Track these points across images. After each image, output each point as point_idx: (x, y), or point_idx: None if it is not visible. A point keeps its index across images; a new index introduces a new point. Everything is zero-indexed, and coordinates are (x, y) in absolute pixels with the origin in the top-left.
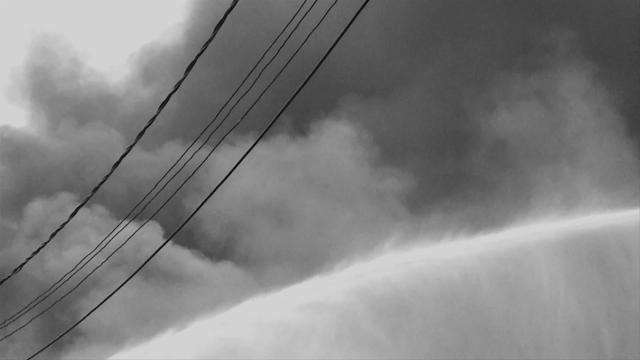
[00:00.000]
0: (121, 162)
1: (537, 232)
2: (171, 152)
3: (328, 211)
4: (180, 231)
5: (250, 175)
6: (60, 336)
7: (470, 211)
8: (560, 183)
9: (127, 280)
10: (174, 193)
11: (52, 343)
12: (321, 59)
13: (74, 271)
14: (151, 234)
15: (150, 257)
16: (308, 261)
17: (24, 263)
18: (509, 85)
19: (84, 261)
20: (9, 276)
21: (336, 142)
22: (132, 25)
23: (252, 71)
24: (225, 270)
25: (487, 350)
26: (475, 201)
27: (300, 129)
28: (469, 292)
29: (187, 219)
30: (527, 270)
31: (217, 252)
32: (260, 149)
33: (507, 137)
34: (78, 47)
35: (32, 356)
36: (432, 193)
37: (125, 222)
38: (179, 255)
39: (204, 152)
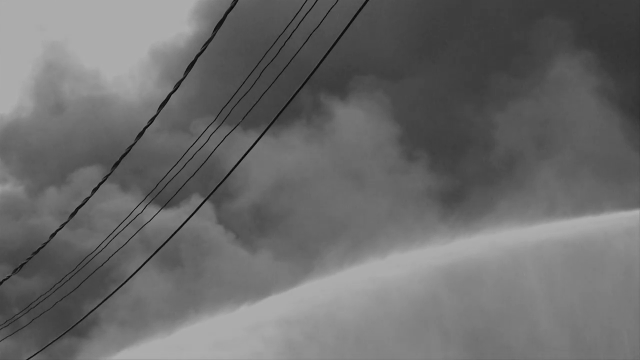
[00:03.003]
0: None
1: (540, 233)
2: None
3: (345, 198)
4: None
5: (283, 162)
6: (68, 330)
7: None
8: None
9: (142, 266)
10: (187, 180)
11: (52, 343)
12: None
13: (81, 266)
14: (202, 218)
15: (165, 242)
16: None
17: (24, 263)
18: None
19: (96, 252)
20: (9, 276)
21: (358, 127)
22: (140, 28)
23: (259, 62)
24: (264, 257)
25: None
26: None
27: (323, 113)
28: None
29: (194, 210)
30: (531, 271)
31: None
32: (283, 136)
33: (508, 135)
34: (86, 55)
35: (36, 352)
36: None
37: (143, 205)
38: (221, 242)
39: (231, 135)
